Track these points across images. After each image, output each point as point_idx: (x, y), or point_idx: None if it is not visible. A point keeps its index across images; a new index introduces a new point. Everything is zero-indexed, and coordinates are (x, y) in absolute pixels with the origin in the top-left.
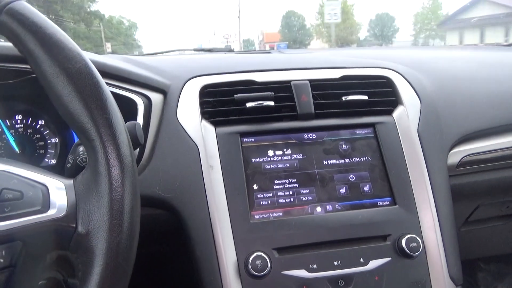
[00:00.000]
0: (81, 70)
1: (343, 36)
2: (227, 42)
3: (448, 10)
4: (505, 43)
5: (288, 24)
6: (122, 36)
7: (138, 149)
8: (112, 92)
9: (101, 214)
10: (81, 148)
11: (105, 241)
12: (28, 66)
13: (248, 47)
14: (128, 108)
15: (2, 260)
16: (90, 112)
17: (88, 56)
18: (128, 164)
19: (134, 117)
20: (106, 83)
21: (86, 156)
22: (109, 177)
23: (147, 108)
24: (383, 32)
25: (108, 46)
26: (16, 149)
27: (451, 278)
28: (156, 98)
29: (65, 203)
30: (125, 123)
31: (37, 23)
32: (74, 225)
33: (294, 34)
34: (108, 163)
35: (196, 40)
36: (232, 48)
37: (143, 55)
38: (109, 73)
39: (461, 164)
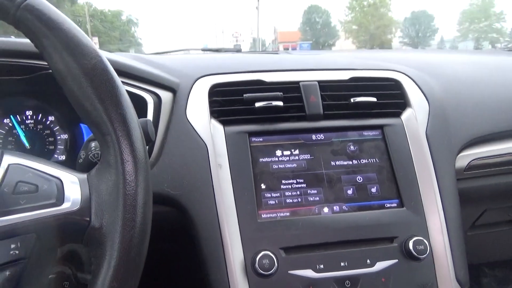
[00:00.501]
0: (97, 66)
1: (376, 35)
2: (237, 41)
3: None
4: None
5: (309, 20)
6: (117, 31)
7: (147, 146)
8: None
9: (115, 209)
10: (93, 144)
11: (118, 235)
12: (41, 62)
13: (257, 49)
14: (138, 106)
15: (17, 252)
16: (105, 108)
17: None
18: (141, 160)
19: (144, 115)
20: None
21: (98, 151)
22: (123, 172)
23: (156, 106)
24: (419, 32)
25: (95, 41)
26: (27, 144)
27: (458, 281)
28: (165, 96)
29: (79, 197)
30: None
31: (53, 19)
32: (88, 219)
33: (317, 33)
34: (122, 158)
35: (202, 39)
36: (240, 48)
37: (151, 54)
38: (120, 71)
39: (469, 167)
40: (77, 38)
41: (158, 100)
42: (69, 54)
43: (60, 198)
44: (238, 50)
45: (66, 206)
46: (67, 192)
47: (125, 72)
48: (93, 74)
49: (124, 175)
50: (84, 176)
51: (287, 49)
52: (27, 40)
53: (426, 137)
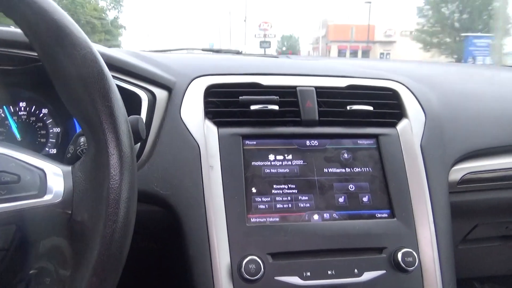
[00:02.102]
0: (86, 57)
1: None
2: (264, 36)
3: None
4: None
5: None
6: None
7: (139, 144)
8: (117, 85)
9: (98, 202)
10: (82, 139)
11: (100, 229)
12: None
13: (284, 51)
14: (132, 103)
15: None
16: (92, 99)
17: (96, 48)
18: (127, 154)
19: (138, 112)
20: (112, 76)
21: (86, 147)
22: (108, 165)
23: (151, 103)
24: None
25: None
26: (18, 136)
27: None
28: (160, 94)
29: (62, 189)
30: (128, 117)
31: (44, 7)
32: (70, 212)
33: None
34: (108, 151)
35: (207, 38)
36: (240, 51)
37: (151, 51)
38: (116, 66)
39: (462, 181)
40: (68, 28)
41: (153, 98)
42: (58, 44)
43: (42, 189)
44: (238, 52)
45: (48, 198)
46: (49, 184)
47: (120, 68)
48: (82, 65)
49: (109, 168)
50: (68, 168)
51: (344, 52)
52: (20, 31)
53: (421, 149)
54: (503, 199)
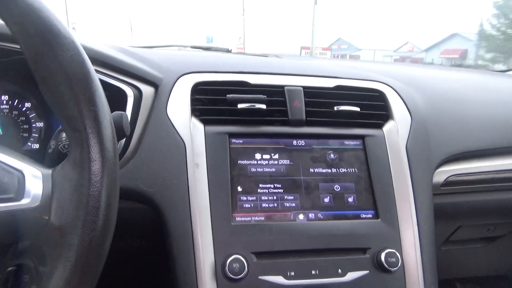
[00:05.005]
0: (73, 58)
1: None
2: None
3: None
4: (503, 69)
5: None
6: None
7: (124, 140)
8: (103, 81)
9: (76, 209)
10: (63, 134)
11: (77, 237)
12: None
13: None
14: (117, 99)
15: None
16: (77, 102)
17: (81, 43)
18: (110, 160)
19: (123, 108)
20: (97, 71)
21: (68, 142)
22: (89, 171)
23: (137, 100)
24: None
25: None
26: None
27: None
28: (147, 90)
29: (40, 192)
30: (113, 113)
31: (32, 5)
32: (47, 217)
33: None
34: (90, 157)
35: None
36: (229, 49)
37: (139, 47)
38: (101, 61)
39: (446, 183)
40: (55, 28)
41: (139, 94)
42: (45, 43)
43: (19, 192)
44: (227, 50)
45: (25, 202)
46: (28, 187)
47: (106, 63)
48: (69, 66)
49: (90, 174)
50: (48, 171)
51: None
52: (2, 22)
53: (406, 151)
54: (486, 201)
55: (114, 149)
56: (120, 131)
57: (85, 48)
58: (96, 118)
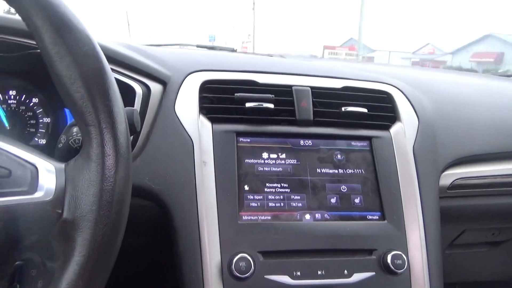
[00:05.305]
0: (88, 53)
1: None
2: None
3: None
4: (508, 74)
5: None
6: None
7: (132, 137)
8: None
9: (90, 203)
10: (75, 129)
11: (90, 231)
12: (29, 41)
13: None
14: (126, 95)
15: None
16: (91, 97)
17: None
18: (124, 155)
19: (131, 105)
20: None
21: (79, 137)
22: (103, 166)
23: (145, 97)
24: None
25: None
26: (6, 125)
27: None
28: (155, 88)
29: (54, 186)
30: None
31: (49, 0)
32: (60, 211)
33: None
34: (104, 152)
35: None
36: (235, 49)
37: (146, 45)
38: (111, 58)
39: (452, 186)
40: (71, 22)
41: (147, 91)
42: (61, 38)
43: (33, 186)
44: (233, 50)
45: (38, 195)
46: (41, 181)
47: (116, 60)
48: (84, 62)
49: (104, 169)
50: (61, 165)
51: None
52: (15, 17)
53: (413, 153)
54: (492, 205)
55: (128, 144)
56: (132, 127)
57: None
58: (111, 113)
